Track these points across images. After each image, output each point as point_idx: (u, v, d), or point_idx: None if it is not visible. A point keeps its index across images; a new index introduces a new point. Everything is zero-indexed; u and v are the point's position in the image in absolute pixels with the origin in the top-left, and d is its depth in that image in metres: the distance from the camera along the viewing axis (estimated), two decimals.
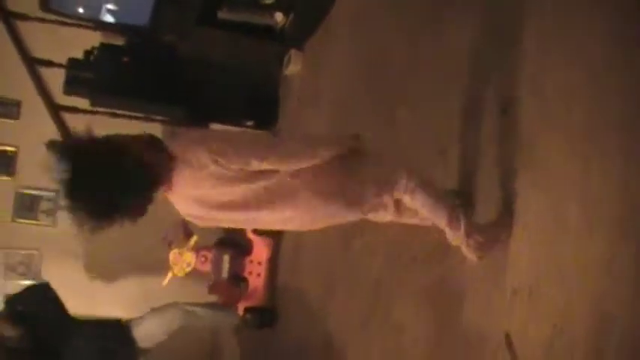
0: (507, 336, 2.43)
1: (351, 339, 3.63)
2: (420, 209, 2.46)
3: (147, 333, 4.61)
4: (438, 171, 2.97)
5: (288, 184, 2.30)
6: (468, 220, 2.47)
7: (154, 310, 4.76)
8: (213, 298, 5.27)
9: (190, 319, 4.83)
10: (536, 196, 2.38)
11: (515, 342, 2.39)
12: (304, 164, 2.29)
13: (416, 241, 3.08)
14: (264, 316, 4.87)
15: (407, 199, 2.42)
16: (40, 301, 4.45)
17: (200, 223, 2.51)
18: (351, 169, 2.38)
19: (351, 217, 2.46)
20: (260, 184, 2.28)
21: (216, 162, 2.21)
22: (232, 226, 2.60)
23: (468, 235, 2.44)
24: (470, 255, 2.51)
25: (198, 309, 4.93)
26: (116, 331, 4.61)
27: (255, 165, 2.23)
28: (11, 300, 4.33)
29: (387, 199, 2.41)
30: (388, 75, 3.64)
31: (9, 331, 4.06)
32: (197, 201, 2.34)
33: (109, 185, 2.14)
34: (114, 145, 2.21)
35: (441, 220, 2.45)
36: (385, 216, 2.48)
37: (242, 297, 4.99)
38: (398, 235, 3.25)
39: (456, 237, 2.47)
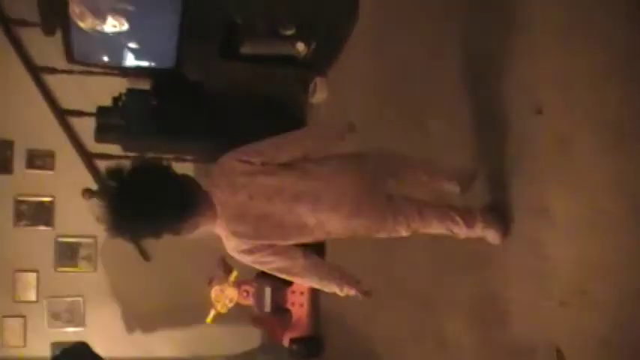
0: (559, 351, 2.40)
1: (402, 356, 3.60)
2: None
3: None
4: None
5: (317, 171, 2.53)
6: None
7: None
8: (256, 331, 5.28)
9: None
10: (574, 198, 2.36)
11: (571, 348, 2.35)
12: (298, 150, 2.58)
13: (459, 252, 3.06)
14: (311, 345, 4.85)
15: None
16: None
17: (253, 249, 2.53)
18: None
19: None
20: (292, 177, 2.49)
21: (240, 160, 2.50)
22: (284, 238, 2.58)
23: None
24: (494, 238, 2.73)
25: None
26: None
27: (269, 153, 2.55)
28: None
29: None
30: (414, 88, 3.64)
31: None
32: (240, 216, 2.46)
33: (149, 197, 2.29)
34: (154, 166, 2.46)
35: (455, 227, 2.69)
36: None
37: (286, 328, 4.98)
38: (441, 247, 3.24)
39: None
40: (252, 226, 2.47)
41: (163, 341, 6.15)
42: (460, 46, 3.18)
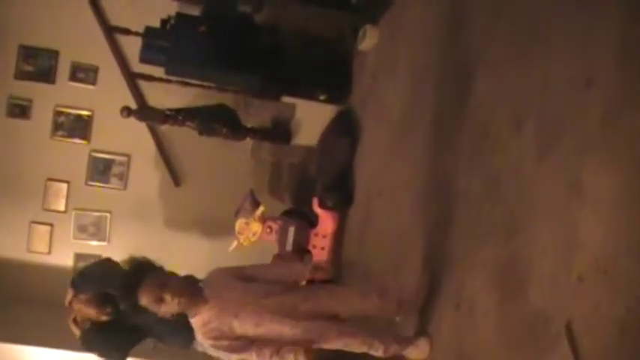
0: (568, 326, 2.39)
1: (419, 309, 3.62)
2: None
3: None
4: (512, 146, 2.93)
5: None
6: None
7: None
8: None
9: None
10: (611, 175, 2.32)
11: (585, 325, 2.34)
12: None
13: (486, 216, 3.06)
14: None
15: None
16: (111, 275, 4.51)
17: None
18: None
19: None
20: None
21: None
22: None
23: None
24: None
25: None
26: None
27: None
28: (85, 278, 4.39)
29: None
30: (467, 41, 3.57)
31: (100, 313, 4.21)
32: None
33: None
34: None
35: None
36: None
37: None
38: (468, 211, 3.23)
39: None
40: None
41: (182, 265, 6.25)
42: None
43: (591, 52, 2.52)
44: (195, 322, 3.07)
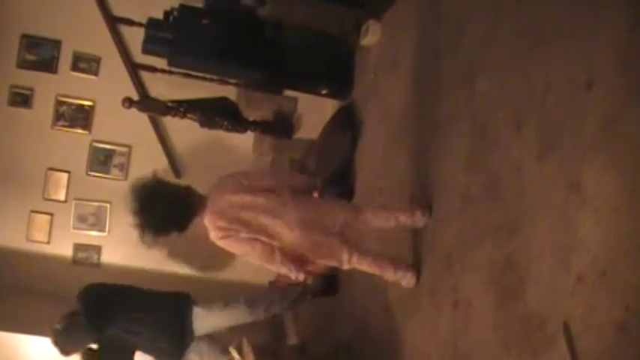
0: (566, 326, 2.40)
1: (416, 310, 3.63)
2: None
3: (211, 325, 4.65)
4: (513, 147, 2.93)
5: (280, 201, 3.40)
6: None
7: (222, 305, 4.70)
8: None
9: (255, 316, 4.77)
10: (610, 177, 2.32)
11: (582, 326, 2.36)
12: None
13: (485, 216, 3.07)
14: (328, 283, 4.90)
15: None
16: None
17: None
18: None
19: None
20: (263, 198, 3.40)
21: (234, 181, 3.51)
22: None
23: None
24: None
25: (260, 302, 4.90)
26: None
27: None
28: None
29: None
30: (468, 40, 3.57)
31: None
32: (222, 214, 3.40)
33: (165, 209, 3.36)
34: (167, 187, 3.49)
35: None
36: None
37: (306, 264, 5.01)
38: (470, 210, 3.24)
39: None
40: (228, 220, 3.37)
41: (179, 258, 6.28)
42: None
43: (592, 54, 2.52)
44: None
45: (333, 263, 3.54)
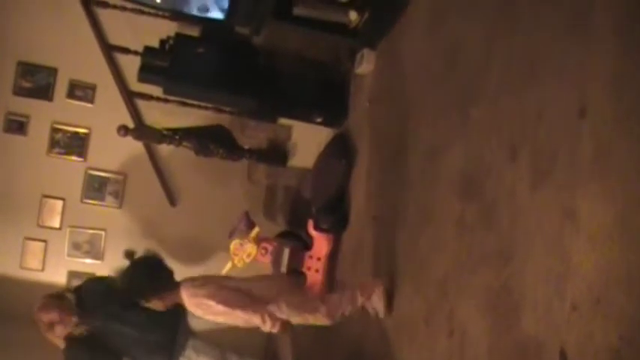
0: (563, 353, 2.40)
1: (412, 337, 3.62)
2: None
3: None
4: (507, 174, 2.95)
5: None
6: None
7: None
8: None
9: None
10: (603, 206, 2.34)
11: (579, 353, 2.35)
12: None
13: (479, 242, 3.08)
14: None
15: None
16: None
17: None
18: None
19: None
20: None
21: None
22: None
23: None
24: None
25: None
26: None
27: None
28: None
29: None
30: (462, 69, 3.60)
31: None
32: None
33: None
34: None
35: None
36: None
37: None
38: (465, 237, 3.25)
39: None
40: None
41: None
42: (516, 32, 3.14)
43: (584, 82, 2.54)
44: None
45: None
